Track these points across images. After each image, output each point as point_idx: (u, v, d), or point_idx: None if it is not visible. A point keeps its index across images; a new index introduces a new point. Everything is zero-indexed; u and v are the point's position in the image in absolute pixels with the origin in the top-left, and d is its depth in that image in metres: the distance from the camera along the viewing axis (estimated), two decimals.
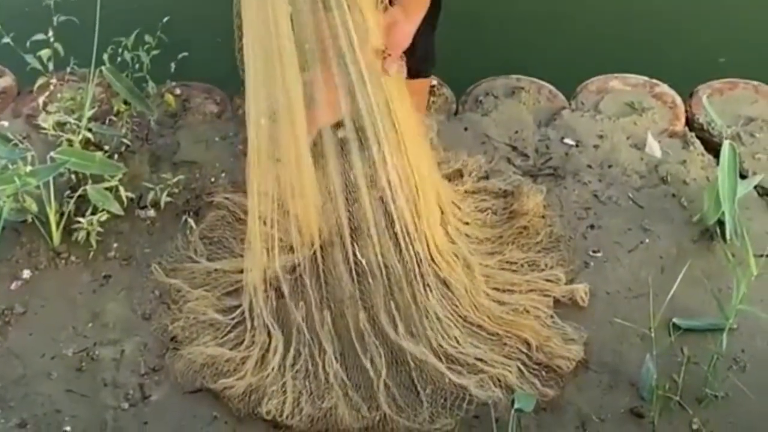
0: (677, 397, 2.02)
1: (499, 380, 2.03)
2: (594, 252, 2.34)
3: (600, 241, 2.37)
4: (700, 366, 2.06)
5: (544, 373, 2.06)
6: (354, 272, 2.07)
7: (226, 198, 2.41)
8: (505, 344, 2.10)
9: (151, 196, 2.42)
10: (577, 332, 2.13)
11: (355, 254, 2.06)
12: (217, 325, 2.15)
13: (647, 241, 2.37)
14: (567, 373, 2.07)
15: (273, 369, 2.05)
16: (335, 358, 2.06)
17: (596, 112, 2.74)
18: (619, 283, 2.27)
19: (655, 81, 2.84)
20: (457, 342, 2.09)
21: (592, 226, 2.41)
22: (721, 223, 2.33)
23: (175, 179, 2.45)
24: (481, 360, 2.06)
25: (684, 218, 2.43)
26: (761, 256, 2.25)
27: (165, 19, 2.44)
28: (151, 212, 2.43)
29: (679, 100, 2.79)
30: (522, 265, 2.28)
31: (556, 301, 2.21)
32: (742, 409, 2.01)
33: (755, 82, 2.88)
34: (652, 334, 1.93)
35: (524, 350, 2.09)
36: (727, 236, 2.31)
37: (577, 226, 2.41)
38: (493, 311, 2.15)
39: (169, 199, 2.42)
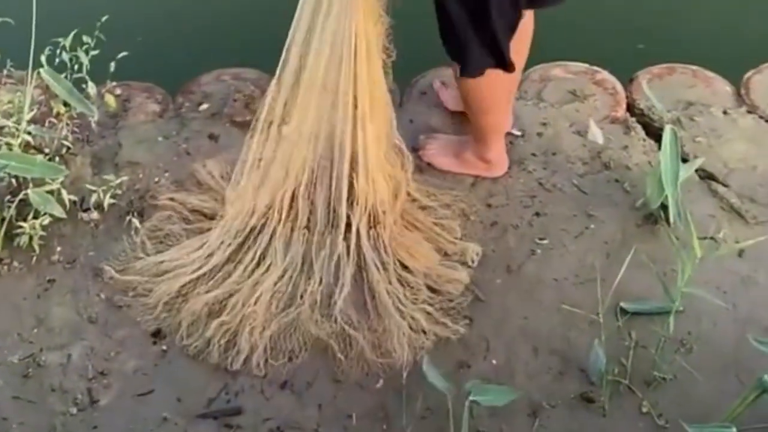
0: (626, 381, 2.04)
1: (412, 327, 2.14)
2: (540, 239, 2.36)
3: (546, 228, 2.39)
4: (648, 349, 2.09)
5: (445, 310, 2.18)
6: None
7: (171, 199, 2.38)
8: (412, 286, 2.21)
9: (94, 198, 2.38)
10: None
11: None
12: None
13: (592, 226, 2.40)
14: (460, 300, 2.19)
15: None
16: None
17: (539, 100, 2.75)
18: (567, 270, 2.29)
19: (596, 68, 2.86)
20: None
21: (537, 214, 2.42)
22: (664, 207, 2.35)
23: (118, 180, 2.41)
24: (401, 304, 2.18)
25: (628, 203, 2.45)
26: (705, 238, 2.29)
27: (104, 18, 2.39)
28: (95, 215, 2.39)
29: (619, 86, 2.82)
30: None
31: None
32: (690, 390, 2.04)
33: (693, 67, 2.91)
34: (601, 320, 1.95)
35: (428, 293, 2.20)
36: (671, 220, 2.34)
37: (523, 214, 2.42)
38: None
39: (112, 200, 2.39)
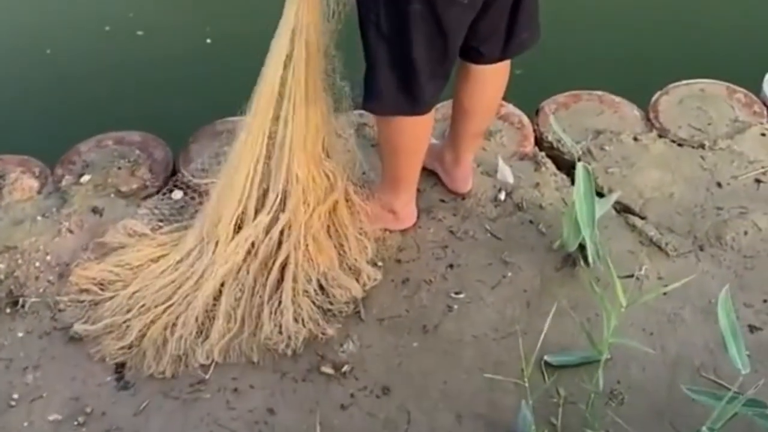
0: None
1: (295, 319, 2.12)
2: (456, 294, 2.22)
3: (461, 280, 2.25)
4: (578, 405, 1.97)
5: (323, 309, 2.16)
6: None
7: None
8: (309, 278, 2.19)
9: None
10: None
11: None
12: None
13: (509, 274, 2.27)
14: (341, 306, 2.16)
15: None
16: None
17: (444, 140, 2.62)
18: (486, 325, 2.16)
19: (501, 102, 2.75)
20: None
21: (451, 266, 2.29)
22: (582, 246, 2.24)
23: None
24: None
25: (544, 245, 2.34)
26: (626, 276, 2.18)
27: None
28: None
29: (526, 119, 2.71)
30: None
31: None
32: None
33: (598, 92, 2.83)
34: (526, 383, 1.81)
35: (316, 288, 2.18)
36: (590, 260, 2.23)
37: (436, 267, 2.28)
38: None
39: None
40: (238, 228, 2.19)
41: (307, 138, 2.13)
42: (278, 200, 2.18)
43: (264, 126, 2.11)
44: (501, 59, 2.14)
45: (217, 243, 2.17)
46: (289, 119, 2.08)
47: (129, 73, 3.20)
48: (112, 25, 3.49)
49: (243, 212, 2.19)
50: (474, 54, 2.10)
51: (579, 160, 2.26)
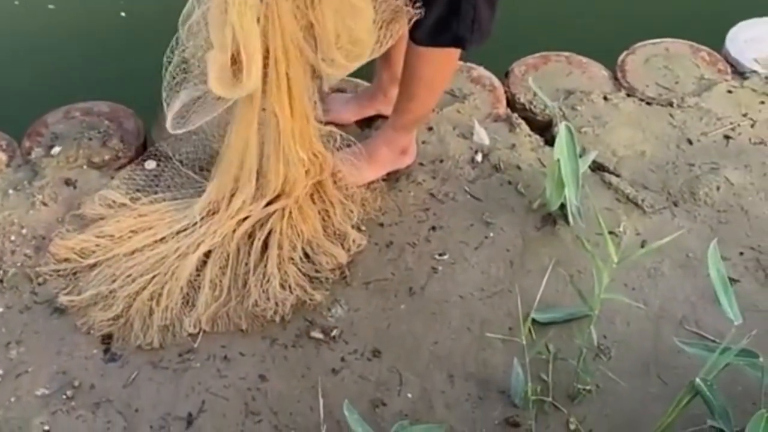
0: (550, 399, 1.94)
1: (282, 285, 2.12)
2: (440, 255, 2.23)
3: (444, 242, 2.26)
4: (567, 361, 1.99)
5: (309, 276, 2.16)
6: None
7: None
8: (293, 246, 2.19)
9: None
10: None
11: None
12: None
13: (491, 235, 2.28)
14: (327, 274, 2.16)
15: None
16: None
17: None
18: (471, 285, 2.17)
19: (470, 65, 2.75)
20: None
21: (433, 228, 2.29)
22: (562, 206, 2.27)
23: None
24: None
25: (524, 205, 2.35)
26: (611, 233, 2.20)
27: None
28: None
29: (497, 81, 2.71)
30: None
31: None
32: (614, 398, 1.96)
33: (566, 53, 2.84)
34: (523, 341, 1.82)
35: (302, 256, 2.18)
36: (570, 220, 2.25)
37: (419, 229, 2.29)
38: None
39: None
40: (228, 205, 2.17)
41: (293, 108, 2.07)
42: (276, 185, 2.16)
43: (254, 102, 2.03)
44: None
45: (208, 220, 2.16)
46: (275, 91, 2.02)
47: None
48: None
49: (234, 192, 2.16)
50: None
51: (563, 119, 2.28)
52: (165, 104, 2.02)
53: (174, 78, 2.01)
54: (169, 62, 1.98)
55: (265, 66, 1.92)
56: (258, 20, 1.83)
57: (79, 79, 3.00)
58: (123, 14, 3.32)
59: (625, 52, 2.83)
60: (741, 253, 2.25)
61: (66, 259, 2.15)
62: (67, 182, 2.36)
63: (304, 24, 1.91)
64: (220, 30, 1.82)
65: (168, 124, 2.08)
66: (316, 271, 2.17)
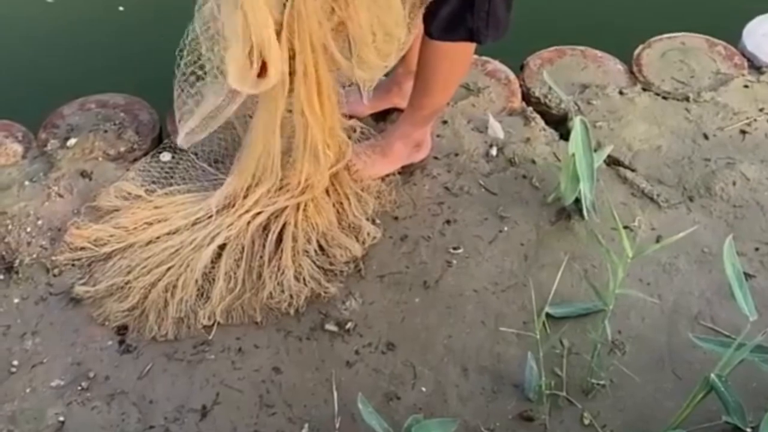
0: (564, 393, 1.94)
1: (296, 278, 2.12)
2: (455, 249, 2.23)
3: (459, 236, 2.26)
4: (581, 356, 1.99)
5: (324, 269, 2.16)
6: None
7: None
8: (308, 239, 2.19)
9: None
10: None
11: None
12: None
13: (506, 229, 2.28)
14: (341, 267, 2.16)
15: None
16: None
17: None
18: (486, 279, 2.17)
19: (485, 58, 2.74)
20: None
21: (448, 222, 2.29)
22: (576, 200, 2.26)
23: None
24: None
25: (538, 199, 2.35)
26: (623, 228, 2.20)
27: None
28: None
29: (512, 75, 2.71)
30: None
31: None
32: (628, 393, 1.95)
33: (581, 47, 2.84)
34: (537, 335, 1.82)
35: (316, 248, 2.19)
36: (585, 214, 2.24)
37: (433, 223, 2.29)
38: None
39: None
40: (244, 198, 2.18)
41: (323, 108, 2.07)
42: (300, 180, 2.17)
43: (278, 99, 2.02)
44: None
45: (224, 213, 2.16)
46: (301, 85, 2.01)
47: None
48: None
49: (253, 187, 2.17)
50: None
51: (577, 113, 2.28)
52: (176, 96, 2.03)
53: (184, 75, 2.01)
54: (181, 57, 1.98)
55: (291, 66, 1.92)
56: (282, 17, 1.83)
57: (95, 71, 3.00)
58: (121, 8, 3.31)
59: (641, 46, 2.82)
60: (756, 249, 2.24)
61: (82, 248, 2.16)
62: (83, 174, 2.36)
63: (333, 25, 1.91)
64: (233, 22, 1.82)
65: (180, 140, 2.10)
66: (331, 263, 2.17)
